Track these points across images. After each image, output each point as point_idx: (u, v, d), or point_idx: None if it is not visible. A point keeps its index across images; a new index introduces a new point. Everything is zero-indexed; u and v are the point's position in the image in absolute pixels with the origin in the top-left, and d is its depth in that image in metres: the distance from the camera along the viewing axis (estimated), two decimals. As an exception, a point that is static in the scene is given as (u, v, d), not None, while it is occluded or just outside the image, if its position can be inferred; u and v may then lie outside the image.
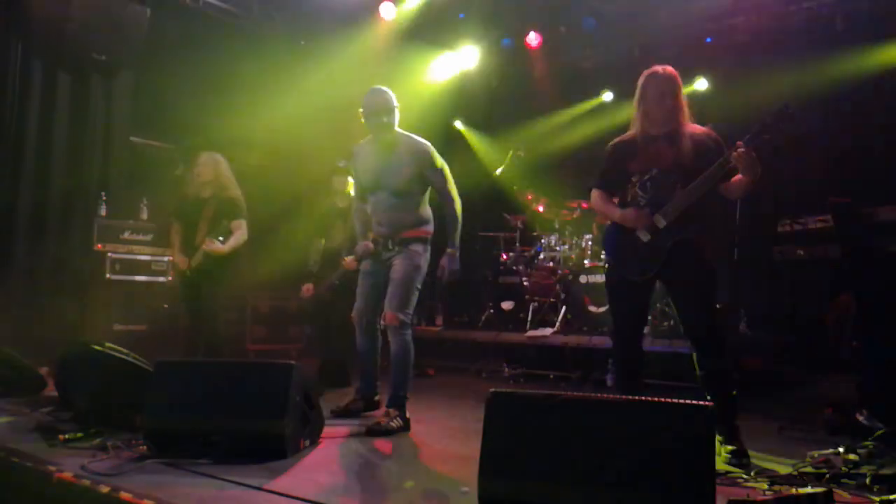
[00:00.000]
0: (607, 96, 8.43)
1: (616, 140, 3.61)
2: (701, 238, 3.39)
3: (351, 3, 7.59)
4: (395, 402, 3.94)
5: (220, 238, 4.97)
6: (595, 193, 3.65)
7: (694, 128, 3.44)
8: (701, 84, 7.44)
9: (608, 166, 3.61)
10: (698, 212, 3.36)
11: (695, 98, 5.12)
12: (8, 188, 6.03)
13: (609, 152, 3.61)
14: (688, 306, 3.41)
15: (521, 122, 8.80)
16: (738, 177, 3.27)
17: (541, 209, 7.47)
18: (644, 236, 3.39)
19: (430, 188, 4.14)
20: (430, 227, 4.14)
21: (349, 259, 5.15)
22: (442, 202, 4.13)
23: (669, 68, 3.45)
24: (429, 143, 4.08)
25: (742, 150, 3.15)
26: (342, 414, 4.24)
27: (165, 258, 6.35)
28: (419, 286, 4.06)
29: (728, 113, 5.32)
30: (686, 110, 3.43)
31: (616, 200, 3.60)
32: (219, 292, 5.20)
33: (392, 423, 3.82)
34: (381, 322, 4.08)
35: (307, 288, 5.65)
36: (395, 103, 4.05)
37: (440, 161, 4.08)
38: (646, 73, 3.46)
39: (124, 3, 6.29)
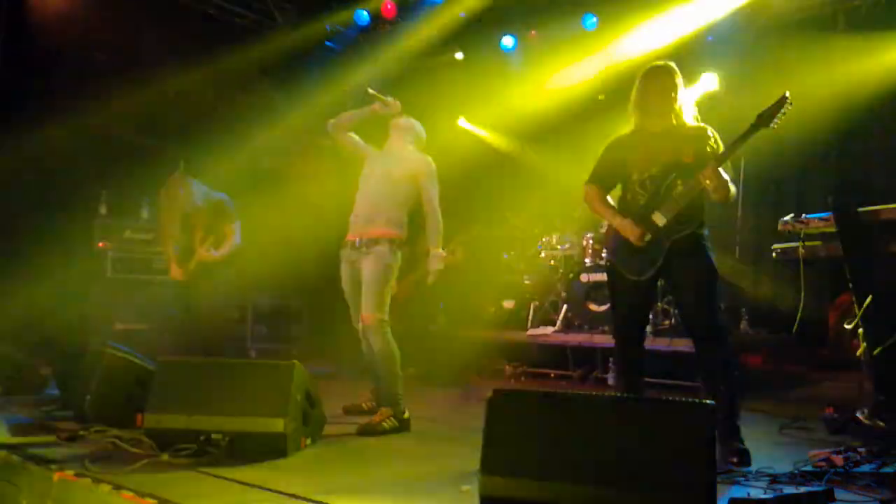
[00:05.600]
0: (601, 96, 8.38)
1: (614, 137, 3.58)
2: (701, 234, 3.36)
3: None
4: (387, 401, 3.93)
5: (213, 249, 5.09)
6: (588, 189, 3.60)
7: (692, 126, 3.43)
8: (706, 83, 7.40)
9: (603, 161, 3.58)
10: (698, 208, 3.34)
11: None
12: (9, 187, 6.04)
13: (606, 148, 3.59)
14: (689, 304, 3.38)
15: (522, 120, 8.77)
16: None
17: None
18: (646, 237, 3.37)
19: (410, 204, 4.17)
20: (401, 232, 4.11)
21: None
22: (425, 213, 4.17)
23: (668, 63, 3.43)
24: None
25: (707, 172, 3.16)
26: (354, 412, 4.24)
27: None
28: (391, 284, 4.03)
29: (729, 113, 5.31)
30: (684, 106, 3.41)
31: (628, 196, 3.56)
32: (218, 291, 5.22)
33: (384, 423, 3.81)
34: (360, 325, 4.05)
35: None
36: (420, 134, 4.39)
37: (437, 181, 4.22)
38: (644, 69, 3.44)
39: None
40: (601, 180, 3.60)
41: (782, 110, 3.16)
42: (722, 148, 3.31)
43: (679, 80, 3.40)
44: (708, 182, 3.18)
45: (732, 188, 3.31)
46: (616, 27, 7.24)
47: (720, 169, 3.20)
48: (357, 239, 4.07)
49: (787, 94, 3.16)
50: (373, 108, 4.27)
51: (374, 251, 3.98)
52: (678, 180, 3.30)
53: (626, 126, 3.56)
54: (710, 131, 3.41)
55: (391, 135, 4.36)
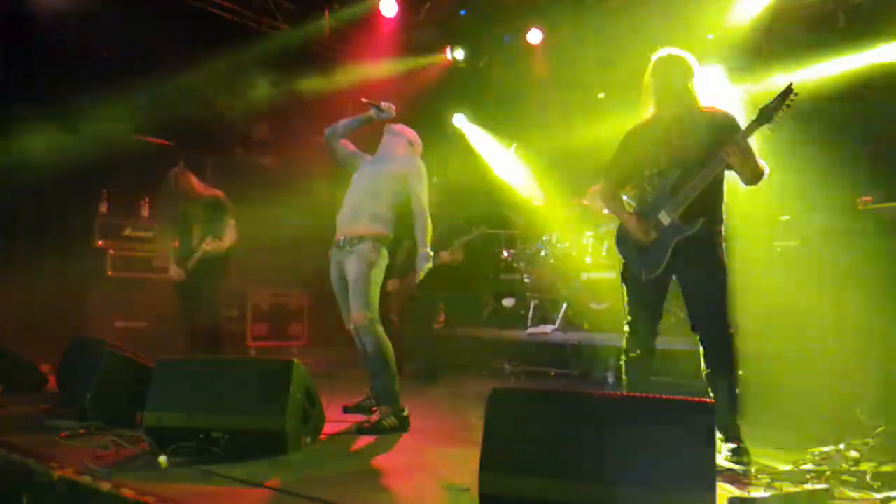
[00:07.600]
0: (601, 95, 8.37)
1: (630, 128, 3.55)
2: (710, 229, 3.29)
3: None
4: (386, 400, 3.93)
5: (215, 238, 5.07)
6: (602, 184, 3.61)
7: (708, 110, 3.36)
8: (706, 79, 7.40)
9: (617, 157, 3.57)
10: (707, 202, 3.28)
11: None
12: (9, 186, 6.05)
13: (621, 141, 3.57)
14: (695, 301, 3.35)
15: (521, 120, 8.78)
16: None
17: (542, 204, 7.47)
18: (651, 235, 3.36)
19: (397, 203, 4.15)
20: (386, 230, 4.08)
21: (443, 254, 5.86)
22: (414, 213, 4.15)
23: (680, 51, 3.39)
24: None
25: (732, 148, 3.10)
26: (354, 411, 4.24)
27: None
28: (378, 281, 4.01)
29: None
30: (699, 92, 3.35)
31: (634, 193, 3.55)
32: (219, 289, 5.22)
33: (384, 422, 3.81)
34: (350, 325, 4.05)
35: (393, 282, 5.98)
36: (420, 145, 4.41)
37: (426, 182, 4.23)
38: (656, 54, 3.41)
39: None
40: (615, 176, 3.59)
41: (786, 102, 3.06)
42: (741, 126, 3.21)
43: (690, 65, 3.35)
44: (733, 158, 3.10)
45: (764, 164, 3.22)
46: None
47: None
48: (342, 238, 4.07)
49: (792, 84, 3.06)
50: (369, 115, 4.27)
51: (357, 250, 3.96)
52: (685, 177, 3.27)
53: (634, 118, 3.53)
54: (727, 112, 3.35)
55: (383, 139, 4.38)
